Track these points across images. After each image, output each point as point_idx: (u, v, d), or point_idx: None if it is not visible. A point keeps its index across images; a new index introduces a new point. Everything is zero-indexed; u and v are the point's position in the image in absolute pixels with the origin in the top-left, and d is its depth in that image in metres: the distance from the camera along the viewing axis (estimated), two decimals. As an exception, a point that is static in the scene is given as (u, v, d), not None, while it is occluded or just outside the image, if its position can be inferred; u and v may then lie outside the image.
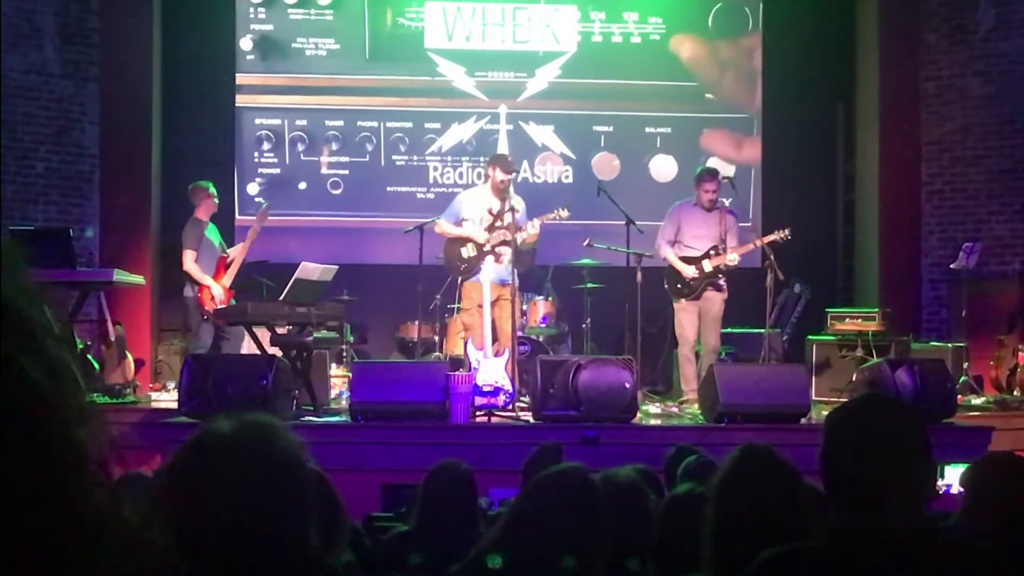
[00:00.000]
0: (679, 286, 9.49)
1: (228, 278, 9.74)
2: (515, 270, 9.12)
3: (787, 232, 9.32)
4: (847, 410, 2.45)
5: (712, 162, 12.07)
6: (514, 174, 9.33)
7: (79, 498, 0.99)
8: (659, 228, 9.70)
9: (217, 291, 9.57)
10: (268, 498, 1.68)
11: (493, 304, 8.94)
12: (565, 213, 9.05)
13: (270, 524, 1.67)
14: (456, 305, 9.58)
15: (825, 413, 7.14)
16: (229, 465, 1.68)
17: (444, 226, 9.35)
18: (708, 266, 9.38)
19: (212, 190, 9.96)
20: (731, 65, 12.54)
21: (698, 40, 12.51)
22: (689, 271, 9.42)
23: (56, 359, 1.02)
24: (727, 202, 10.38)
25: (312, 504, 1.76)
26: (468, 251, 9.23)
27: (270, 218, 10.29)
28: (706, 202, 9.53)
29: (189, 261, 9.63)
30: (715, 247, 9.42)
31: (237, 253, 9.89)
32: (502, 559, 2.97)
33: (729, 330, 9.67)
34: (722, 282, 9.46)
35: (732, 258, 9.33)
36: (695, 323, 9.51)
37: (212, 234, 9.89)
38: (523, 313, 10.29)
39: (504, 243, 8.95)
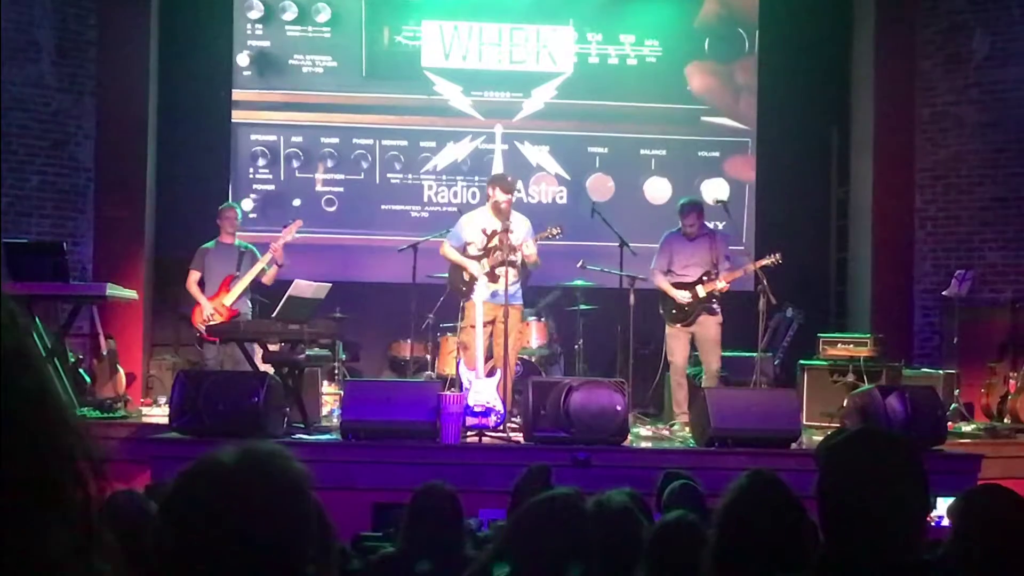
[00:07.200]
0: (674, 311, 9.50)
1: (231, 297, 9.61)
2: (520, 290, 9.14)
3: (778, 257, 9.35)
4: (846, 444, 2.43)
5: (710, 181, 12.18)
6: (514, 194, 9.28)
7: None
8: (653, 252, 9.71)
9: (207, 310, 9.56)
10: (268, 530, 1.63)
11: (488, 324, 8.92)
12: (557, 231, 8.99)
13: (270, 556, 1.63)
14: (457, 324, 9.48)
15: (816, 439, 7.11)
16: (229, 496, 1.64)
17: (447, 250, 9.26)
18: (702, 291, 9.40)
19: (230, 209, 10.01)
20: (744, 89, 12.54)
21: (709, 66, 12.53)
22: (683, 296, 9.42)
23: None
24: (721, 225, 10.43)
25: (314, 534, 1.72)
26: (468, 273, 9.18)
27: (261, 234, 10.27)
28: (687, 234, 9.58)
29: (188, 280, 9.74)
30: (707, 273, 9.45)
31: (248, 271, 9.68)
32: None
33: (721, 354, 9.66)
34: (715, 306, 9.47)
35: (722, 285, 9.37)
36: (685, 349, 9.55)
37: (225, 252, 9.79)
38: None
39: (502, 263, 8.89)
